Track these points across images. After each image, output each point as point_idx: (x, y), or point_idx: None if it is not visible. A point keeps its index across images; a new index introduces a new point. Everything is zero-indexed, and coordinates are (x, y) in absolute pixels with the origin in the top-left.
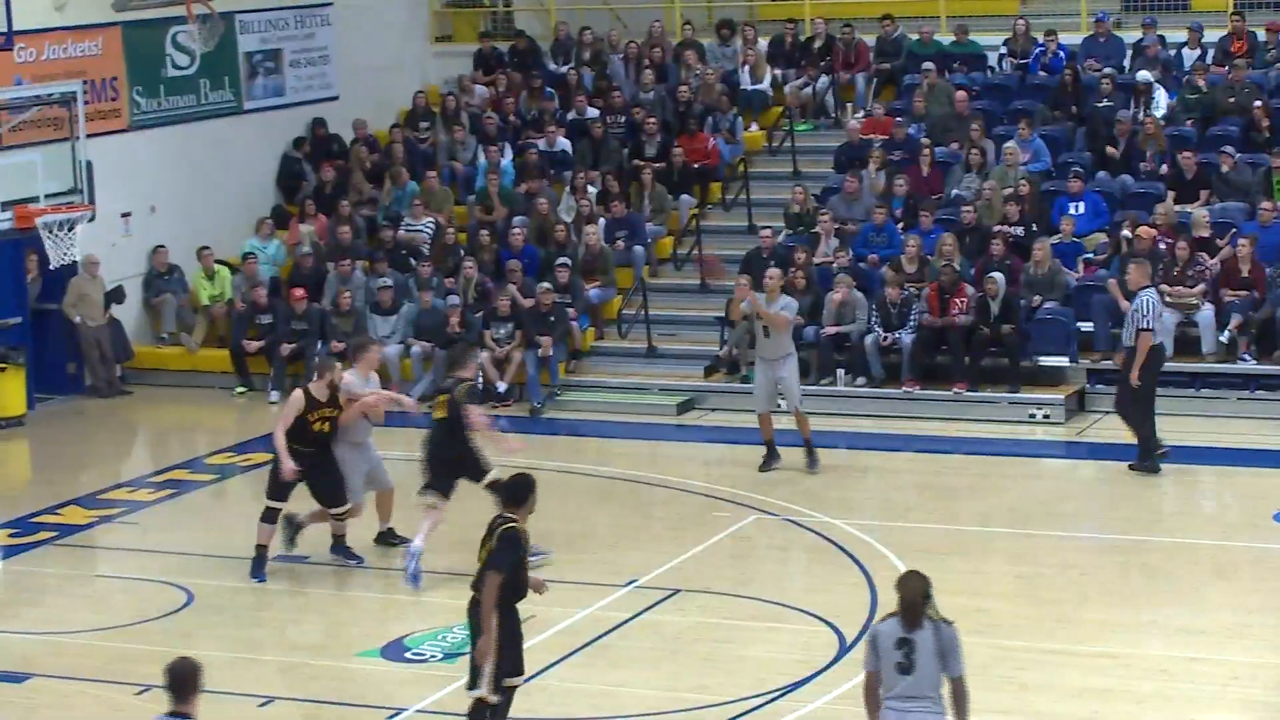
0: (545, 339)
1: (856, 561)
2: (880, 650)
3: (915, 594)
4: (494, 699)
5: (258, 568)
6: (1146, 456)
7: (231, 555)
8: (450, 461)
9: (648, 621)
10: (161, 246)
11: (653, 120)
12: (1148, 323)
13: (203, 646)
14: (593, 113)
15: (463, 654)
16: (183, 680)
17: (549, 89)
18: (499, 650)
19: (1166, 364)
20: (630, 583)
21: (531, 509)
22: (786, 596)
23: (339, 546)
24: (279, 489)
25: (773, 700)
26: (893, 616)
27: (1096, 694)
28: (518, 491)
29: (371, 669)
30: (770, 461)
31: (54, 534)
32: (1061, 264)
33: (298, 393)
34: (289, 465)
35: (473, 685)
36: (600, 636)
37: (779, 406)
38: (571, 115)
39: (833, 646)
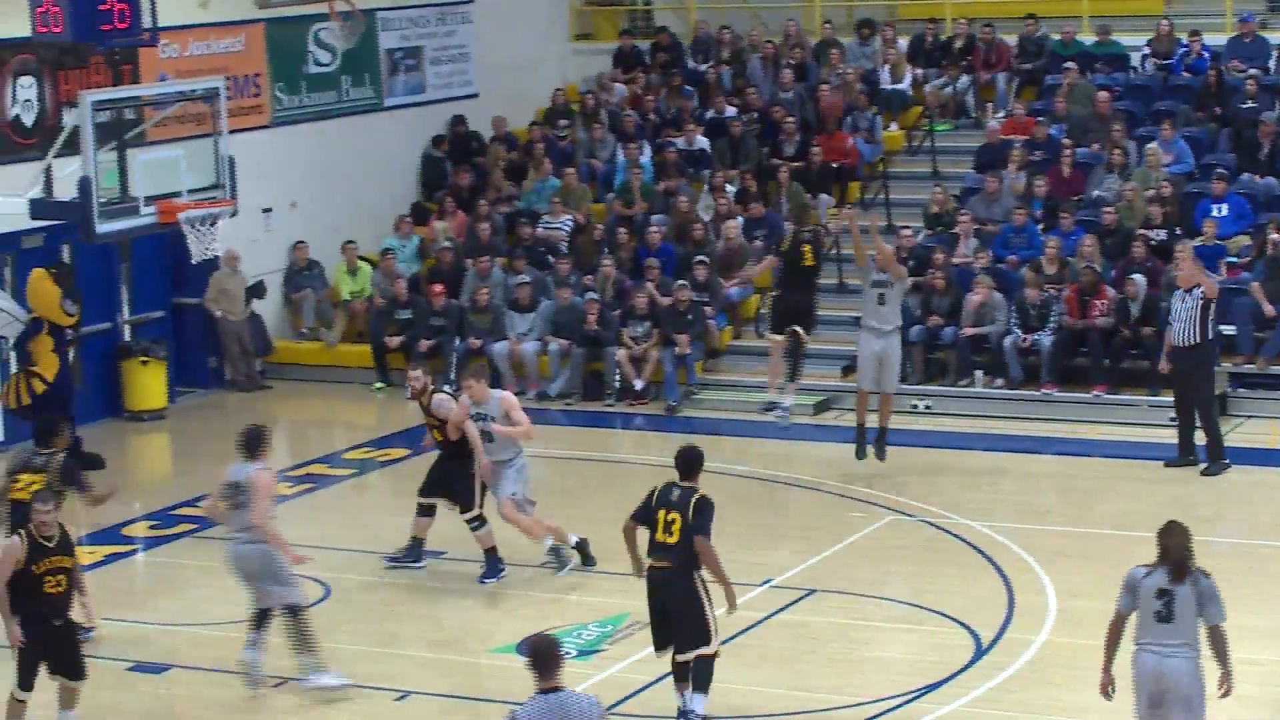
0: (682, 337)
1: (993, 564)
2: (1140, 598)
3: (1181, 550)
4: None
5: (409, 554)
6: (1220, 455)
7: (369, 549)
8: (798, 308)
9: (783, 621)
10: (301, 242)
11: (791, 119)
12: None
13: (340, 640)
14: (731, 111)
15: (598, 651)
16: (546, 657)
17: (688, 87)
18: (707, 609)
19: None
20: (765, 582)
21: None
22: (922, 598)
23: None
24: (427, 485)
25: (908, 702)
26: (1157, 568)
27: (1236, 700)
28: (695, 462)
29: (506, 665)
30: (864, 448)
31: (193, 526)
32: (1204, 266)
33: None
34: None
35: (693, 645)
36: (735, 636)
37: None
38: (710, 114)
39: (969, 649)
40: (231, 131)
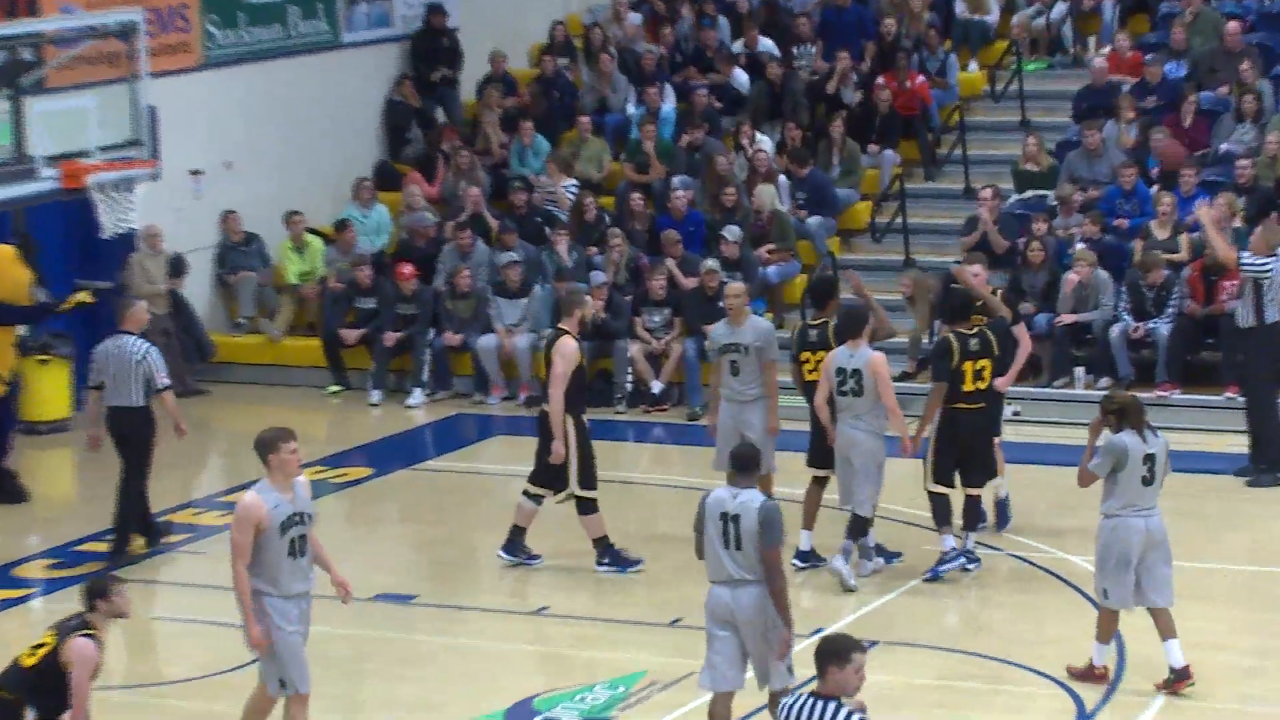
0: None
1: (1098, 608)
2: (1127, 467)
3: (1140, 409)
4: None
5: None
6: (1264, 460)
7: (319, 595)
8: None
9: None
10: (232, 212)
11: (844, 54)
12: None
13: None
14: (767, 44)
15: (605, 719)
16: (829, 655)
17: (711, 18)
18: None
19: None
20: (816, 632)
21: None
22: (1011, 652)
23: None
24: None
25: None
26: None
27: None
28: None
29: None
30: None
31: (103, 566)
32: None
33: (569, 341)
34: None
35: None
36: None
37: None
38: (740, 47)
39: (1069, 715)
40: (153, 75)
